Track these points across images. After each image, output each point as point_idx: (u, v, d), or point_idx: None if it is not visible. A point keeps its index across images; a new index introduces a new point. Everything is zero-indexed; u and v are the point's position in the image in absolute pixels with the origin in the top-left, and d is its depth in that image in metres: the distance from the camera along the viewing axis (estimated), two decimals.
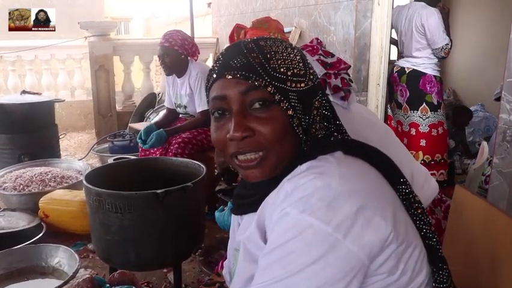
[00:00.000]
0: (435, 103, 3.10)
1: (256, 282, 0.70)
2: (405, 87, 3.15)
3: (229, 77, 0.76)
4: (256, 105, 0.76)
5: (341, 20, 3.01)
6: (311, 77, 0.81)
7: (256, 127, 0.76)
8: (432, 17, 2.98)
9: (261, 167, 0.78)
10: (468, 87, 5.04)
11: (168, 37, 2.89)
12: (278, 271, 0.67)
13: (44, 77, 5.36)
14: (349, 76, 1.46)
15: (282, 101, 0.76)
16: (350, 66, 1.49)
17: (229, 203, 1.61)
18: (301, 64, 0.80)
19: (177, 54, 2.88)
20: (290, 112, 0.76)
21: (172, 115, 3.20)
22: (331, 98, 1.37)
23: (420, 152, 3.10)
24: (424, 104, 3.10)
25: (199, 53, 3.06)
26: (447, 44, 3.01)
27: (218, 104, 0.79)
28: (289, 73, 0.77)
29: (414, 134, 3.15)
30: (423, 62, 3.10)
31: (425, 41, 3.05)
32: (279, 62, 0.77)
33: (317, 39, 1.54)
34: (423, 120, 3.11)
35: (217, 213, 1.68)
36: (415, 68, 3.11)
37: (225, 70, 0.77)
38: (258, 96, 0.75)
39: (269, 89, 0.75)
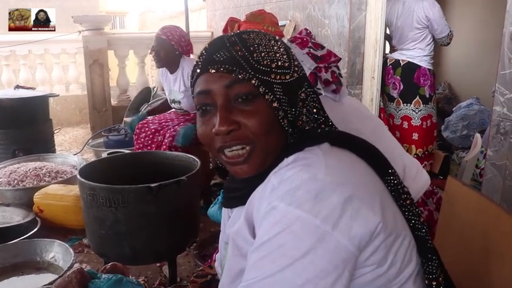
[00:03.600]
0: (427, 96, 3.13)
1: (247, 278, 0.69)
2: (399, 80, 3.16)
3: (213, 71, 0.76)
4: (241, 98, 0.76)
5: (336, 13, 3.00)
6: (296, 68, 0.81)
7: (241, 120, 0.75)
8: (435, 8, 3.04)
9: (248, 162, 0.77)
10: (463, 80, 5.05)
11: (166, 30, 2.88)
12: (268, 266, 0.67)
13: (38, 72, 5.33)
14: (339, 70, 1.46)
15: (267, 93, 0.75)
16: (341, 59, 1.48)
17: (218, 196, 1.60)
18: (285, 56, 0.80)
19: (172, 49, 2.87)
20: (275, 104, 0.76)
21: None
22: (322, 91, 1.37)
23: (413, 146, 3.11)
24: (417, 97, 3.12)
25: (192, 52, 3.06)
26: (451, 31, 3.09)
27: (203, 99, 0.79)
28: (273, 65, 0.77)
29: (406, 127, 3.16)
30: (418, 54, 3.12)
31: (423, 33, 3.08)
32: (263, 54, 0.77)
33: (306, 29, 1.54)
34: (416, 113, 3.12)
35: (210, 208, 1.68)
36: (411, 60, 3.13)
37: (208, 64, 0.77)
38: (242, 89, 0.75)
39: (253, 81, 0.75)
